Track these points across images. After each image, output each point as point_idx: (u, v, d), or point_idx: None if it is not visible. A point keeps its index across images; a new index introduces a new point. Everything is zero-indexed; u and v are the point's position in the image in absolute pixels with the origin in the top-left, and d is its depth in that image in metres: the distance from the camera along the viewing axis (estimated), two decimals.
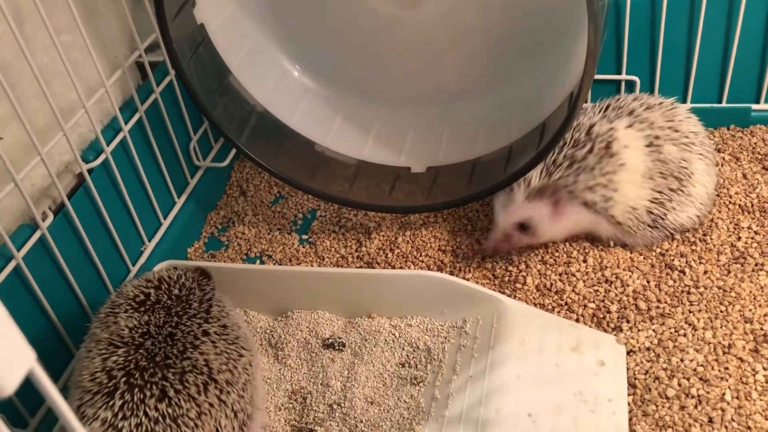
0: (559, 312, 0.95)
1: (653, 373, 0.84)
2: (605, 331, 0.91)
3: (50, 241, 0.89)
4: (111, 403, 0.70)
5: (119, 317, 0.77)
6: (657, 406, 0.81)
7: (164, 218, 1.14)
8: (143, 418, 0.69)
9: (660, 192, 0.93)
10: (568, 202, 0.94)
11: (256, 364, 0.83)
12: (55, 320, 0.90)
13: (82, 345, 0.78)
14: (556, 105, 1.04)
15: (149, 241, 1.10)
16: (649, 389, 0.83)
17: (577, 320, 0.93)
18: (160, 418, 0.69)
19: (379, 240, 1.11)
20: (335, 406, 0.86)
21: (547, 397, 0.81)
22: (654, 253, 0.99)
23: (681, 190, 0.94)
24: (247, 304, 1.00)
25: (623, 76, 1.19)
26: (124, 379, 0.71)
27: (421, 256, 1.07)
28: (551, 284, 0.98)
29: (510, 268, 1.02)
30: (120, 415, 0.69)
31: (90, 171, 0.97)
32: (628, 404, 0.82)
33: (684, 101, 1.20)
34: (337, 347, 0.93)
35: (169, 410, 0.70)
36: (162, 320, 0.76)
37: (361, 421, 0.84)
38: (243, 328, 0.83)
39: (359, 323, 0.96)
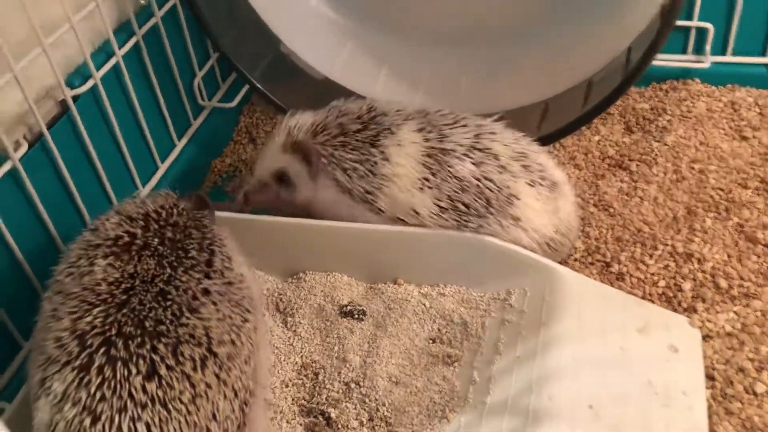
0: (620, 288, 0.81)
1: (736, 363, 0.70)
2: (676, 312, 0.77)
3: (23, 174, 0.75)
4: (86, 379, 0.55)
5: (96, 264, 0.62)
6: (743, 403, 0.67)
7: (161, 162, 1.00)
8: (128, 402, 0.54)
9: (450, 207, 0.78)
10: (322, 173, 0.81)
11: (262, 330, 0.69)
12: (25, 266, 0.76)
13: (45, 295, 0.63)
14: (608, 59, 0.90)
15: (143, 186, 0.96)
16: (731, 382, 0.69)
17: (643, 299, 0.79)
18: (149, 402, 0.55)
19: None
20: (353, 385, 0.73)
21: (611, 386, 0.67)
22: (731, 223, 0.85)
23: (494, 212, 0.78)
24: (253, 262, 0.85)
25: (694, 23, 1.03)
26: (103, 349, 0.56)
27: None
28: (612, 257, 0.83)
29: None
30: (98, 396, 0.54)
31: (75, 98, 0.83)
32: (707, 399, 0.68)
33: (763, 54, 1.04)
34: (356, 316, 0.80)
35: (159, 392, 0.55)
36: (151, 273, 0.61)
37: (384, 404, 0.71)
38: (249, 280, 0.68)
39: (383, 290, 0.82)
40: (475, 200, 0.78)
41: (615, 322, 0.73)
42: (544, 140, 0.89)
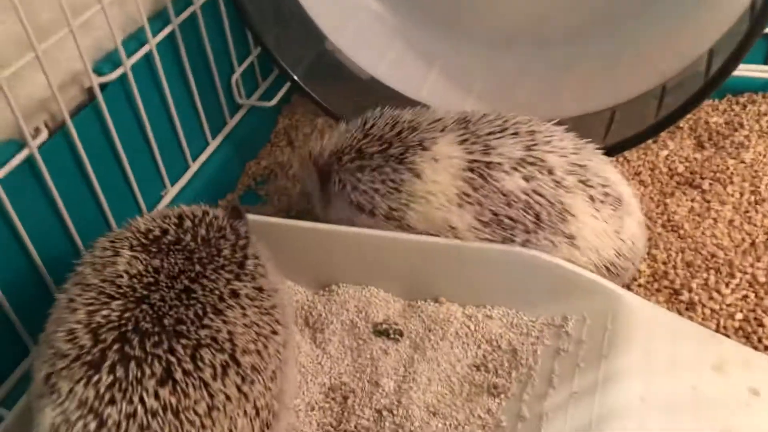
0: (691, 319, 0.72)
1: None
2: (756, 349, 0.68)
3: (40, 163, 0.69)
4: (96, 378, 0.49)
5: (120, 255, 0.57)
6: None
7: (193, 160, 0.95)
8: (138, 407, 0.49)
9: (494, 221, 0.70)
10: (338, 194, 0.76)
11: (291, 346, 0.62)
12: (39, 264, 0.71)
13: (64, 288, 0.57)
14: (685, 64, 0.81)
15: (172, 185, 0.91)
16: None
17: (717, 332, 0.70)
18: (160, 410, 0.49)
19: None
20: (385, 413, 0.65)
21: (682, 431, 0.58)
22: None
23: (544, 228, 0.70)
24: (282, 271, 0.78)
25: None
26: (117, 345, 0.50)
27: None
28: (682, 284, 0.74)
29: None
30: (107, 398, 0.49)
31: (103, 87, 0.78)
32: None
33: None
34: (392, 336, 0.72)
35: (172, 399, 0.49)
36: (178, 268, 0.56)
37: None
38: (281, 292, 0.62)
39: (422, 308, 0.74)
40: (523, 215, 0.70)
41: (687, 358, 0.64)
42: (609, 151, 0.81)
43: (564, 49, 0.91)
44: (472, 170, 0.70)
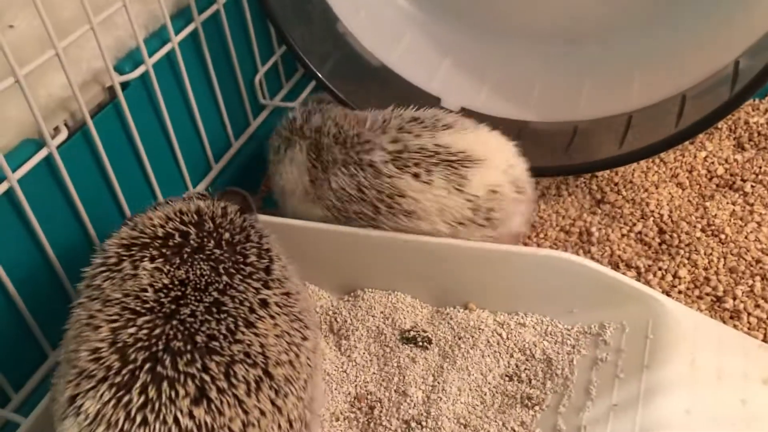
0: (735, 328, 0.68)
1: None
2: None
3: (59, 163, 0.68)
4: (126, 399, 0.47)
5: (141, 268, 0.54)
6: None
7: (216, 162, 0.92)
8: (173, 427, 0.47)
9: (341, 216, 0.77)
10: None
11: (319, 350, 0.60)
12: (57, 266, 0.69)
13: (78, 300, 0.55)
14: (709, 71, 0.78)
15: (194, 186, 0.89)
16: None
17: (765, 342, 0.66)
18: (194, 429, 0.47)
19: None
20: (414, 425, 0.62)
21: None
22: None
23: (383, 213, 0.74)
24: (305, 275, 0.76)
25: None
26: (148, 365, 0.48)
27: (538, 237, 0.82)
28: (725, 290, 0.71)
29: (662, 263, 0.75)
30: (138, 419, 0.47)
31: (124, 86, 0.76)
32: None
33: None
34: (420, 343, 0.69)
35: (207, 418, 0.47)
36: (205, 280, 0.53)
37: None
38: (303, 293, 0.60)
39: (452, 315, 0.71)
40: (359, 207, 0.75)
41: (734, 370, 0.60)
42: (626, 158, 0.78)
43: (588, 50, 0.87)
44: (309, 172, 0.79)
